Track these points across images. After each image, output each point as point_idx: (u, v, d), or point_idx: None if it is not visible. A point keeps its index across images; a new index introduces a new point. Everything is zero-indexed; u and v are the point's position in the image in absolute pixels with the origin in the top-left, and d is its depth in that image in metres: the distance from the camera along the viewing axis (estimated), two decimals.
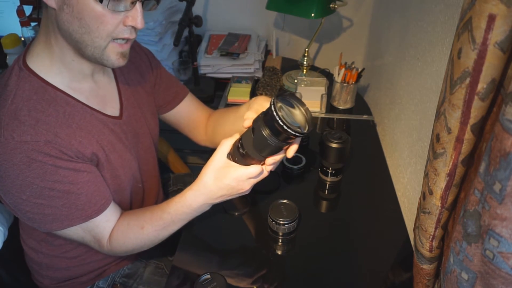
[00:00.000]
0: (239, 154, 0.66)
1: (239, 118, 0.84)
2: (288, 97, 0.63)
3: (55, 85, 0.71)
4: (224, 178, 0.67)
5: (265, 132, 0.61)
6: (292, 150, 0.67)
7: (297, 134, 0.59)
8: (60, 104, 0.70)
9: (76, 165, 0.70)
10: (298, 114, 0.63)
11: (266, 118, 0.61)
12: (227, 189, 0.69)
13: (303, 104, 0.64)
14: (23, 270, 0.95)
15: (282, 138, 0.61)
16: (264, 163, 0.68)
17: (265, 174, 0.69)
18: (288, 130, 0.58)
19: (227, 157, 0.68)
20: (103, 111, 0.78)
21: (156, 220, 0.75)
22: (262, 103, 0.73)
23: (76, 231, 0.74)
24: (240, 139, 0.66)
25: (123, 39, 0.69)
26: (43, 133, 0.66)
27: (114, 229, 0.77)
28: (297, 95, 1.27)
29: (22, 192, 0.66)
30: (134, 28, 0.69)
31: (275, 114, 0.58)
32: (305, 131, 0.61)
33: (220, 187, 0.69)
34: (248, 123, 0.66)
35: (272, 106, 0.58)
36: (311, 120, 0.63)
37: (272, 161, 0.67)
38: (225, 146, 0.68)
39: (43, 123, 0.67)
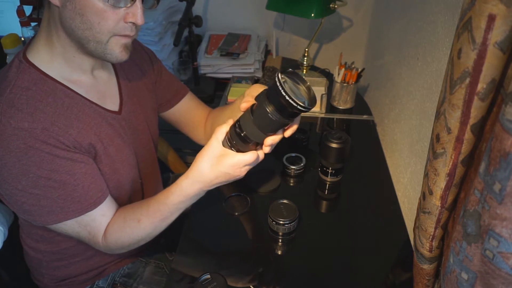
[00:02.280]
0: (238, 137, 0.65)
1: (235, 111, 0.84)
2: (291, 74, 0.62)
3: (55, 77, 0.71)
4: (220, 165, 0.67)
5: (269, 108, 0.60)
6: (291, 130, 0.67)
7: (302, 108, 0.58)
8: (59, 95, 0.71)
9: (73, 155, 0.70)
10: (301, 90, 0.62)
11: (270, 93, 0.60)
12: (223, 176, 0.68)
13: (305, 81, 0.63)
14: (23, 269, 0.96)
15: (286, 114, 0.60)
16: (259, 148, 0.68)
17: (261, 158, 0.68)
18: (294, 104, 0.57)
19: (222, 144, 0.67)
20: (102, 105, 0.78)
21: (154, 212, 0.74)
22: (258, 90, 0.72)
23: (71, 226, 0.73)
24: (238, 121, 0.66)
25: (124, 35, 0.70)
26: (41, 120, 0.66)
27: (110, 223, 0.76)
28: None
29: (18, 182, 0.66)
30: (135, 25, 0.70)
31: (280, 88, 0.57)
32: (310, 106, 0.60)
33: (216, 175, 0.68)
34: (245, 105, 0.66)
35: (277, 81, 0.57)
36: (314, 97, 0.62)
37: (271, 141, 0.66)
38: (220, 133, 0.67)
39: (40, 111, 0.67)
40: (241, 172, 0.68)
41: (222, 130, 0.68)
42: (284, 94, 0.57)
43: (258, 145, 0.67)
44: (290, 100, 0.57)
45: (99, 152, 0.75)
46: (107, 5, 0.65)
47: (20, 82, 0.68)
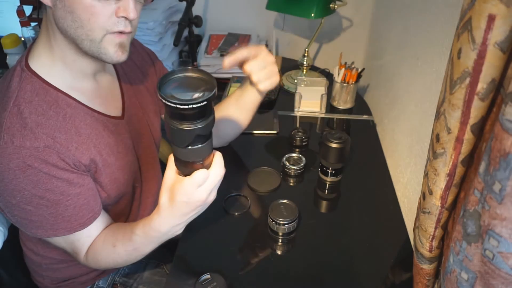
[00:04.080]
0: (179, 164, 0.60)
1: (240, 98, 0.89)
2: (171, 75, 0.54)
3: (57, 86, 0.71)
4: (175, 195, 0.61)
5: (179, 125, 0.53)
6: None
7: (198, 103, 0.50)
8: (61, 106, 0.70)
9: (70, 175, 0.69)
10: (192, 82, 0.54)
11: (166, 112, 0.53)
12: (185, 206, 0.62)
13: (196, 71, 0.55)
14: (23, 270, 0.96)
15: (189, 116, 0.52)
16: (208, 165, 0.61)
17: (218, 173, 0.61)
18: (181, 105, 0.49)
19: (176, 172, 0.62)
20: (105, 112, 0.78)
21: (127, 240, 0.72)
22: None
23: (57, 240, 0.74)
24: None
25: (118, 32, 0.67)
26: (43, 138, 0.65)
27: (92, 243, 0.76)
28: (297, 96, 1.27)
29: (12, 197, 0.66)
30: (128, 20, 0.67)
31: (161, 99, 0.49)
32: (212, 93, 0.52)
33: (176, 207, 0.63)
34: (227, 61, 0.67)
35: (159, 96, 0.50)
36: (210, 80, 0.55)
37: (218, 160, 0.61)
38: (171, 161, 0.62)
39: (43, 126, 0.66)
40: (199, 196, 0.61)
41: (172, 158, 0.62)
42: (173, 105, 0.49)
43: (205, 162, 0.60)
44: (180, 105, 0.49)
45: (99, 164, 0.74)
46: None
47: (23, 93, 0.67)
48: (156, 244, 0.72)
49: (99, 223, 0.77)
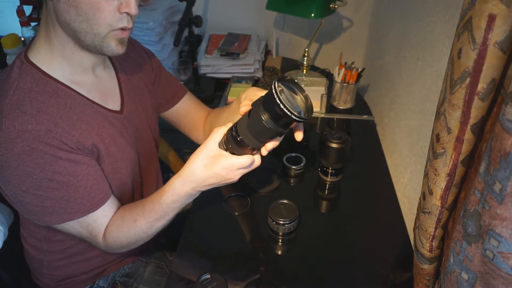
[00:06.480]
0: (234, 141, 0.65)
1: (232, 113, 0.85)
2: (288, 82, 0.61)
3: (57, 78, 0.72)
4: (214, 166, 0.66)
5: (264, 116, 0.59)
6: (300, 135, 0.67)
7: (298, 119, 0.57)
8: (61, 96, 0.71)
9: (76, 156, 0.70)
10: (298, 100, 0.61)
11: (266, 101, 0.59)
12: (216, 178, 0.68)
13: (302, 90, 0.62)
14: (23, 270, 0.96)
15: (282, 123, 0.59)
16: (256, 153, 0.67)
17: (257, 163, 0.68)
18: (289, 114, 0.56)
19: (219, 146, 0.67)
20: (104, 105, 0.79)
21: (148, 212, 0.74)
22: (255, 93, 0.72)
23: (73, 226, 0.74)
24: (235, 125, 0.65)
25: (121, 28, 0.70)
26: (44, 122, 0.67)
27: (109, 223, 0.77)
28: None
29: (22, 183, 0.67)
30: (130, 16, 0.70)
31: (276, 97, 0.56)
32: (306, 117, 0.59)
33: (209, 176, 0.68)
34: (245, 109, 0.66)
35: (274, 89, 0.56)
36: (311, 106, 0.62)
37: (271, 146, 0.66)
38: (218, 134, 0.67)
39: (44, 113, 0.67)
40: (234, 175, 0.67)
41: (220, 132, 0.67)
42: (279, 103, 0.56)
43: (254, 150, 0.66)
44: (285, 110, 0.56)
45: (102, 152, 0.76)
46: None
47: (23, 84, 0.68)
48: (176, 211, 0.75)
49: (112, 203, 0.78)
